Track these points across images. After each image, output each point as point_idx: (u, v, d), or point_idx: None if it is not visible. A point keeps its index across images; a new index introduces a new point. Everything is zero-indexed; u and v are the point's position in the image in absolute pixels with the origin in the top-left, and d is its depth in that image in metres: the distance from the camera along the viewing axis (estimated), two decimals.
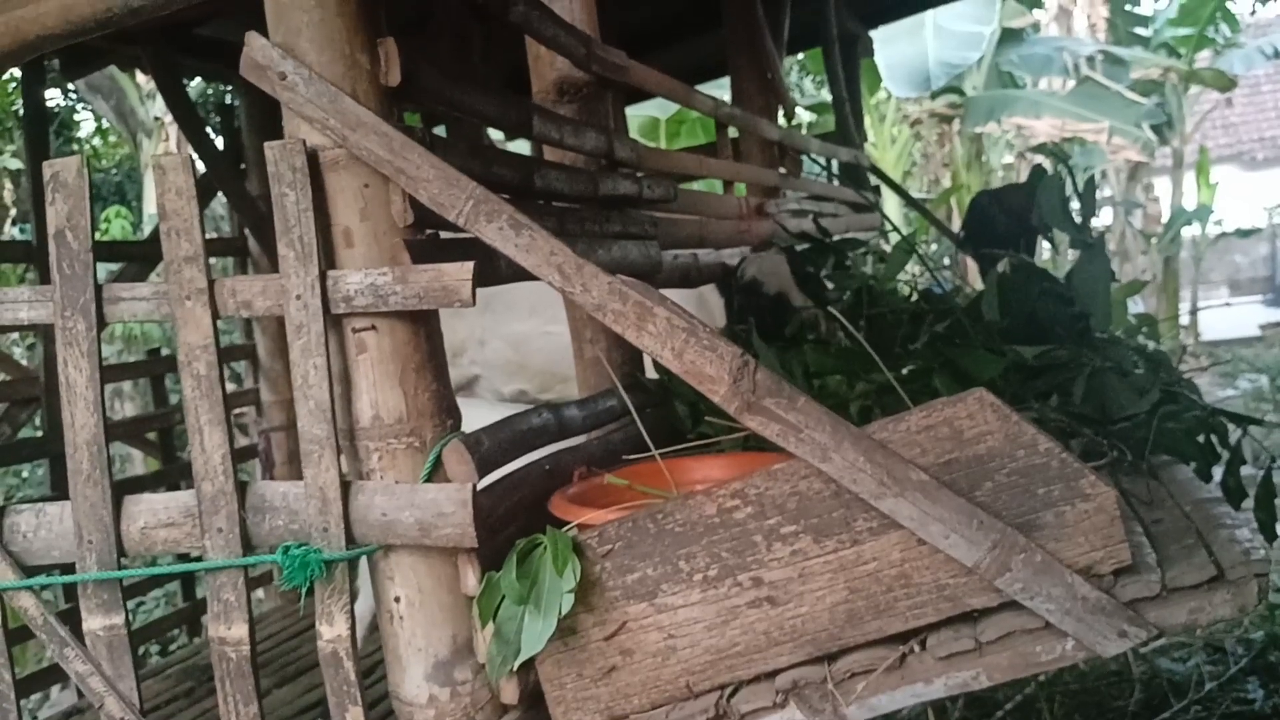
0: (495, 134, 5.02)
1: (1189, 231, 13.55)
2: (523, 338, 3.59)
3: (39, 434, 3.69)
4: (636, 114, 8.61)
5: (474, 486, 1.75)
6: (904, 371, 2.49)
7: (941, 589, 1.68)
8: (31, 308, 1.86)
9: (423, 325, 1.82)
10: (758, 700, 1.76)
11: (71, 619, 1.93)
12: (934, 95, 10.88)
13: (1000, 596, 1.65)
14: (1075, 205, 3.29)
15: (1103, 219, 13.11)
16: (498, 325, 3.55)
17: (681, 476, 2.12)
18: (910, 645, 1.72)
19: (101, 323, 1.81)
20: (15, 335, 6.72)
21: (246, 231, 4.08)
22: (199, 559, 1.82)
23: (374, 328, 1.77)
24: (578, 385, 2.71)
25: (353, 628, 1.79)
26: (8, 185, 9.69)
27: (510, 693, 1.82)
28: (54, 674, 3.41)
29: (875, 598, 1.71)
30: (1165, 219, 13.17)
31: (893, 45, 9.38)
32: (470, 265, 1.72)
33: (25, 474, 7.00)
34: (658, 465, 2.10)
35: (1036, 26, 12.47)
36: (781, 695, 1.75)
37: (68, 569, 1.90)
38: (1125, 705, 4.02)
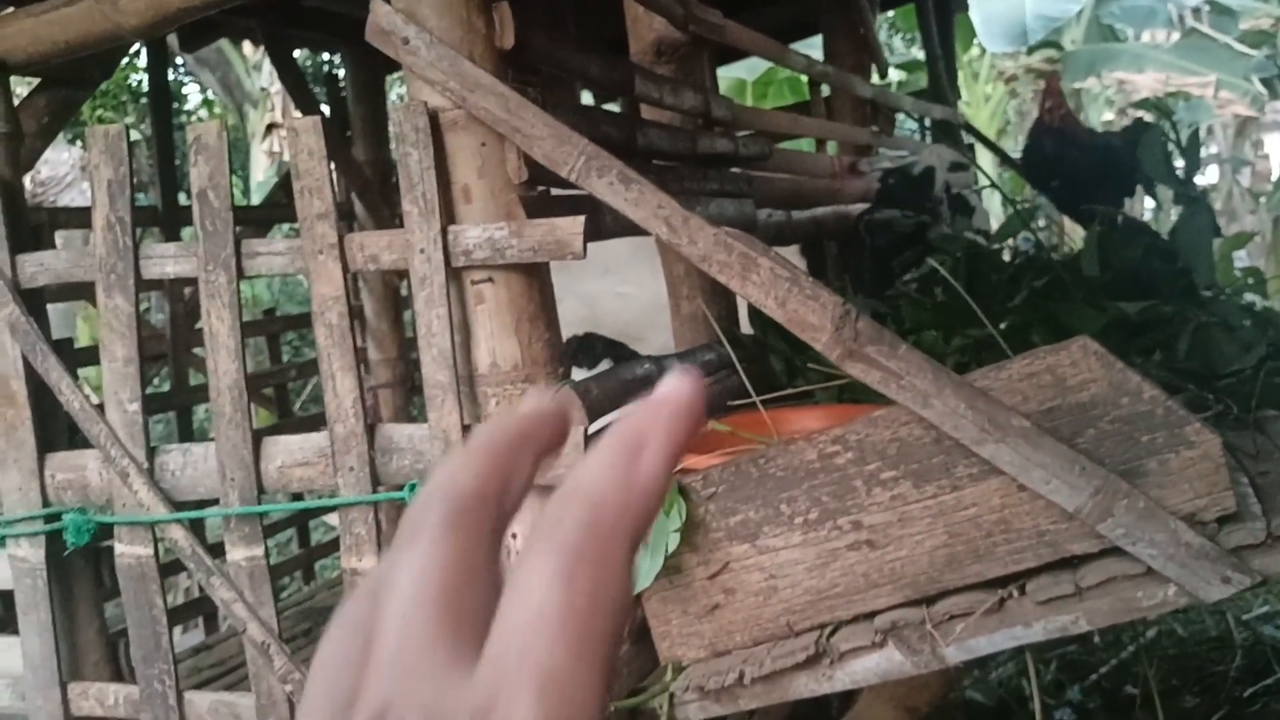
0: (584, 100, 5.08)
1: None
2: (595, 296, 3.65)
3: (165, 389, 3.93)
4: (725, 75, 8.57)
5: (585, 430, 1.84)
6: (1001, 327, 2.49)
7: (1041, 534, 1.71)
8: (177, 262, 2.01)
9: (536, 277, 1.91)
10: (857, 640, 1.81)
11: (213, 552, 2.09)
12: (1030, 50, 10.55)
13: (1101, 542, 1.67)
14: (1180, 162, 3.21)
15: (1209, 177, 12.57)
16: (573, 282, 3.61)
17: (779, 427, 2.17)
18: (1009, 589, 1.75)
19: (240, 276, 1.95)
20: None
21: (353, 196, 4.24)
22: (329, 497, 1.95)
23: (491, 280, 1.87)
24: (674, 340, 2.78)
25: None
26: None
27: None
28: (178, 614, 3.66)
29: (974, 542, 1.74)
30: (1275, 177, 12.57)
31: None
32: (582, 219, 1.80)
33: (160, 426, 7.37)
34: (758, 415, 2.16)
35: None
36: (880, 635, 1.80)
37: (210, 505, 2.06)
38: (1226, 670, 3.96)
